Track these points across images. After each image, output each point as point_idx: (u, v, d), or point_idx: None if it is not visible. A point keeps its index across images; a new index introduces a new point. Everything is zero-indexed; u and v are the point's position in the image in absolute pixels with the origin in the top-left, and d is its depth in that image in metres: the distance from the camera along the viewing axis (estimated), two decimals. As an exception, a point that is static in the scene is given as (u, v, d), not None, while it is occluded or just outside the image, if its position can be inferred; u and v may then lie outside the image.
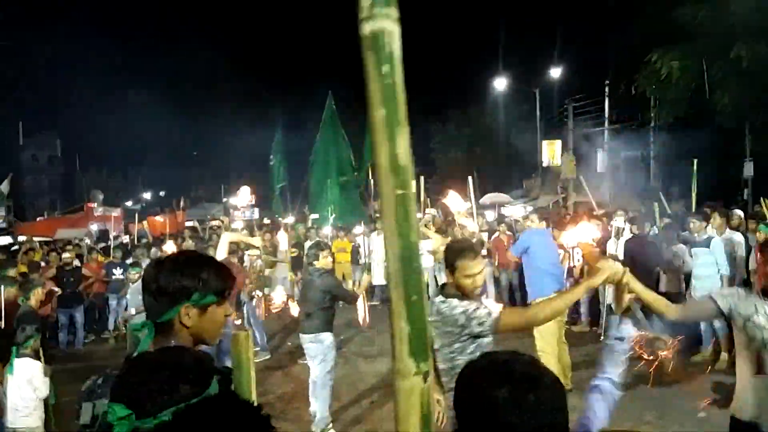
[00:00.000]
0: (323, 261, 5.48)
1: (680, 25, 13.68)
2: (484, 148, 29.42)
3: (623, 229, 8.19)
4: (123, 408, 1.02)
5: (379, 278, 11.84)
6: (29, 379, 4.30)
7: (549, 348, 5.61)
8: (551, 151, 23.65)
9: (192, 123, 42.53)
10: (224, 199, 43.00)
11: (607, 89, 22.37)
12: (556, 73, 24.80)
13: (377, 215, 18.63)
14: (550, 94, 25.39)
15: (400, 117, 0.85)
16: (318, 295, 5.35)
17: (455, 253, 2.80)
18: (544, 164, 23.68)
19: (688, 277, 7.55)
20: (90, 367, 7.66)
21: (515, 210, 18.62)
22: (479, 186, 17.18)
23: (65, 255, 9.49)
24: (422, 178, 17.03)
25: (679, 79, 14.22)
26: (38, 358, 4.51)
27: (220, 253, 5.39)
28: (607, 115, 22.64)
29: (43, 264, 9.45)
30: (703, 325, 7.11)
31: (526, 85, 23.48)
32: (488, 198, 14.91)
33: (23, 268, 8.27)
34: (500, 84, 26.95)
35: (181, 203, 26.55)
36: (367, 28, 0.84)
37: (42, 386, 4.38)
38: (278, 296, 7.46)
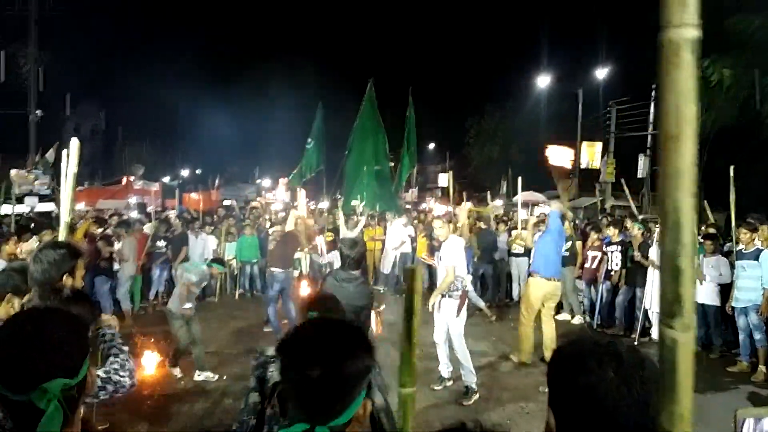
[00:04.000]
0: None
1: (733, 33, 13.32)
2: (520, 145, 29.09)
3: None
4: None
5: (388, 266, 11.93)
6: None
7: (527, 320, 7.04)
8: (591, 153, 23.26)
9: (232, 103, 43.05)
10: (257, 180, 43.64)
11: (653, 93, 21.84)
12: (601, 74, 24.32)
13: (407, 206, 18.71)
14: (593, 95, 24.92)
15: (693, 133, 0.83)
16: (350, 309, 3.91)
17: None
18: (582, 166, 23.32)
19: (723, 288, 7.46)
20: (131, 335, 7.94)
21: (547, 209, 18.39)
22: (512, 184, 17.03)
23: (94, 226, 9.75)
24: (451, 173, 17.00)
25: (730, 87, 13.85)
26: None
27: (289, 226, 8.65)
28: (651, 119, 22.12)
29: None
30: (741, 336, 7.02)
31: (569, 84, 23.10)
32: (522, 196, 14.69)
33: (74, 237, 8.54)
34: (543, 81, 26.58)
35: (216, 182, 26.99)
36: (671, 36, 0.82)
37: None
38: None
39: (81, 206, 16.93)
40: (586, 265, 9.45)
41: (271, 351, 2.21)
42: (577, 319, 9.59)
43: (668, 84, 0.82)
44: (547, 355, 6.78)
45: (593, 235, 9.47)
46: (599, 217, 14.23)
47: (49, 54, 24.04)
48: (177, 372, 6.56)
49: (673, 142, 0.82)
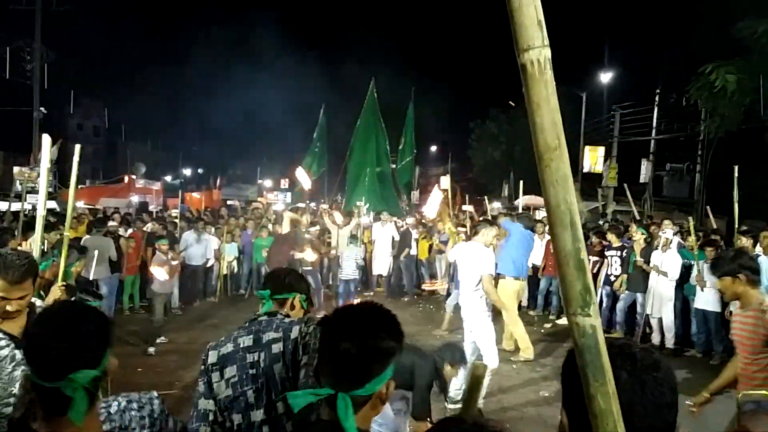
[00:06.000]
0: None
1: (738, 39, 13.29)
2: (523, 148, 29.06)
3: (671, 240, 8.03)
4: None
5: (379, 267, 11.85)
6: None
7: (512, 319, 7.25)
8: (593, 158, 23.22)
9: (234, 103, 43.12)
10: (259, 181, 43.69)
11: (656, 98, 21.83)
12: (605, 78, 24.29)
13: (407, 208, 18.70)
14: (596, 100, 24.89)
15: (562, 142, 0.92)
16: None
17: None
18: (585, 170, 23.28)
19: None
20: (134, 333, 7.97)
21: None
22: (515, 187, 17.01)
23: (111, 223, 9.77)
24: (448, 176, 16.96)
25: (734, 92, 13.80)
26: None
27: (285, 228, 9.05)
28: (654, 124, 22.10)
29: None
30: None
31: (573, 87, 23.06)
32: (524, 200, 14.69)
33: (74, 234, 8.59)
34: (546, 85, 26.51)
35: (218, 181, 27.03)
36: (527, 57, 0.91)
37: None
38: None
39: (81, 204, 16.94)
40: (587, 270, 9.44)
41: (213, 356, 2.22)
42: (563, 320, 9.60)
43: (541, 101, 0.91)
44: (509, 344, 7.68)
45: (594, 240, 9.45)
46: (600, 222, 14.20)
47: (54, 52, 24.06)
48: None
49: (555, 152, 0.89)
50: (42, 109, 22.11)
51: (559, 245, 0.92)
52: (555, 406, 6.19)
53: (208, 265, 10.97)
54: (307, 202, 15.10)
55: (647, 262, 8.21)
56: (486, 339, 5.70)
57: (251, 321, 2.33)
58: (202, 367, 2.24)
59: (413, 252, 12.21)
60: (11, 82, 23.81)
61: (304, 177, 13.97)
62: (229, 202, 22.95)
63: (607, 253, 9.05)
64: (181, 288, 10.11)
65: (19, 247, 6.52)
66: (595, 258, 9.25)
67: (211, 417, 2.16)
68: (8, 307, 2.39)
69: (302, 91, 35.32)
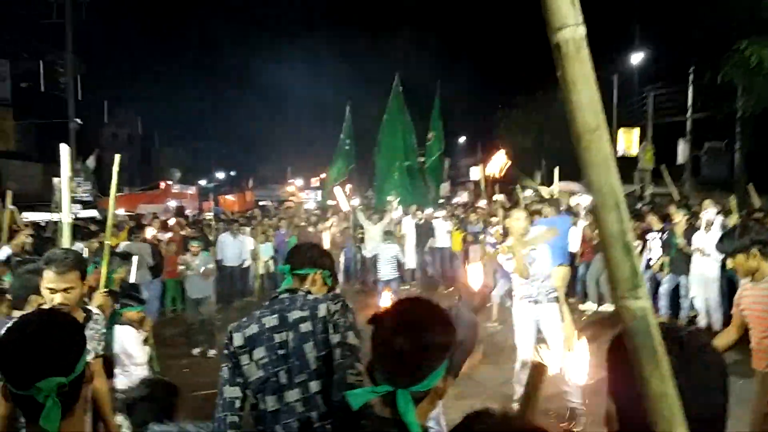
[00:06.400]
0: None
1: (772, 13, 12.82)
2: (554, 135, 28.61)
3: (713, 221, 7.79)
4: None
5: (410, 261, 11.74)
6: (125, 346, 4.57)
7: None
8: (628, 140, 22.65)
9: (263, 105, 43.67)
10: (290, 180, 44.15)
11: (690, 77, 21.16)
12: (636, 58, 23.66)
13: (441, 200, 18.60)
14: (628, 81, 24.27)
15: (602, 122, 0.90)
16: None
17: None
18: (619, 154, 22.75)
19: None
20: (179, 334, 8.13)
21: (586, 200, 18.02)
22: (548, 174, 16.75)
23: (150, 229, 10.01)
24: (481, 165, 16.76)
25: (770, 69, 13.30)
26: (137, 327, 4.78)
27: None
28: (690, 103, 21.43)
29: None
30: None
31: (603, 70, 22.53)
32: (558, 187, 14.43)
33: (116, 241, 8.85)
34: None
35: (250, 183, 27.39)
36: (562, 37, 0.90)
37: (137, 353, 4.65)
38: None
39: (122, 211, 17.38)
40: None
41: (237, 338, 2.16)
42: (605, 307, 9.41)
43: (577, 79, 0.89)
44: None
45: (633, 224, 9.23)
46: (638, 206, 13.88)
47: (85, 63, 24.70)
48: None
49: (595, 133, 0.88)
50: (77, 120, 22.75)
51: (605, 228, 0.90)
52: (600, 395, 6.01)
53: (245, 265, 11.13)
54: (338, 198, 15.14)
55: (689, 244, 7.99)
56: (558, 338, 5.32)
57: (272, 299, 2.25)
58: (226, 351, 2.17)
59: (442, 244, 12.17)
60: (46, 95, 24.59)
61: (341, 196, 13.91)
62: (261, 203, 23.24)
63: (647, 237, 8.83)
64: (219, 289, 10.27)
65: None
66: (635, 242, 9.03)
67: (237, 405, 2.10)
68: (56, 299, 2.49)
69: (328, 88, 35.44)
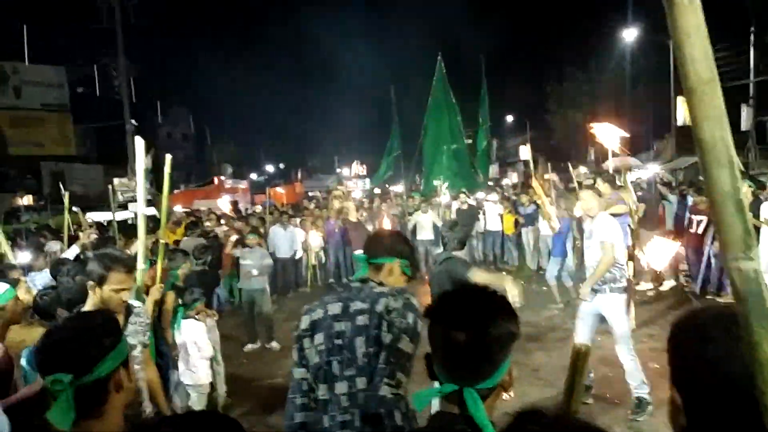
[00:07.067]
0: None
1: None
2: (606, 107, 27.58)
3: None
4: None
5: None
6: (194, 340, 4.70)
7: None
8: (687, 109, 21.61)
9: (308, 97, 44.12)
10: (337, 170, 44.49)
11: (752, 38, 19.89)
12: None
13: (489, 183, 18.28)
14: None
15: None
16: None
17: None
18: (679, 123, 21.69)
19: None
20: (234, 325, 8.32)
21: (644, 174, 17.31)
22: (601, 149, 16.10)
23: (207, 224, 10.30)
24: (528, 145, 16.33)
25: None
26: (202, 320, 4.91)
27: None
28: (752, 66, 20.17)
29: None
30: None
31: (658, 35, 21.43)
32: (613, 162, 13.87)
33: (173, 237, 9.19)
34: (629, 35, 24.63)
35: (299, 175, 27.76)
36: None
37: (206, 346, 4.78)
38: None
39: (178, 208, 17.96)
40: (691, 230, 8.78)
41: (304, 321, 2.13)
42: (667, 284, 8.99)
43: (691, 30, 0.85)
44: None
45: (698, 198, 8.76)
46: (701, 177, 13.23)
47: (138, 66, 25.53)
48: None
49: (709, 85, 0.85)
50: (133, 121, 23.59)
51: (716, 186, 0.87)
52: (665, 377, 5.71)
53: (297, 257, 11.29)
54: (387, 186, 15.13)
55: (756, 216, 7.52)
56: (629, 355, 4.81)
57: (344, 286, 2.21)
58: (295, 333, 2.15)
59: (494, 227, 11.97)
60: (102, 99, 25.62)
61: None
62: (310, 194, 23.52)
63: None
64: (272, 280, 10.43)
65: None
66: (699, 217, 8.59)
67: (305, 387, 2.06)
68: (124, 297, 2.61)
69: (371, 75, 35.37)
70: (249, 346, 7.58)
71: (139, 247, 3.48)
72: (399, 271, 2.22)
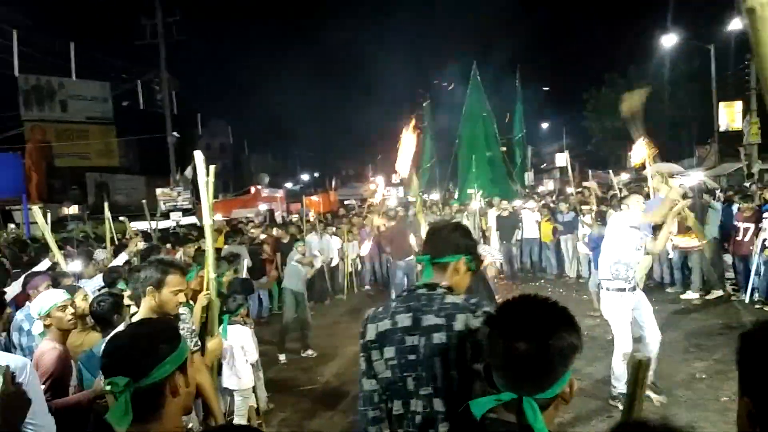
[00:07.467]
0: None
1: None
2: (646, 113, 27.05)
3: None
4: None
5: (496, 255, 11.34)
6: (241, 345, 4.81)
7: None
8: (730, 114, 20.95)
9: (342, 107, 44.61)
10: (371, 178, 44.67)
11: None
12: (735, 25, 21.81)
13: (526, 190, 18.08)
14: (726, 50, 22.41)
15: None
16: None
17: None
18: (721, 129, 21.07)
19: None
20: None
21: (687, 180, 16.82)
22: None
23: (252, 231, 10.53)
24: (566, 152, 16.14)
25: None
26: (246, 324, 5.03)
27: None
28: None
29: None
30: None
31: (699, 40, 20.92)
32: (655, 168, 13.57)
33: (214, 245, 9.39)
34: (668, 40, 24.09)
35: (333, 183, 27.98)
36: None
37: (252, 350, 4.89)
38: None
39: (218, 217, 18.30)
40: (738, 238, 8.52)
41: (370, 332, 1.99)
42: (714, 294, 8.73)
43: None
44: None
45: (744, 205, 8.50)
46: (747, 184, 12.82)
47: (178, 80, 26.28)
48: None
49: None
50: (174, 133, 24.25)
51: None
52: (715, 388, 5.68)
53: (333, 264, 11.38)
54: (421, 192, 15.12)
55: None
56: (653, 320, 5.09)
57: (409, 292, 2.03)
58: (361, 341, 2.01)
59: (531, 235, 11.83)
60: (145, 112, 26.43)
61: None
62: (345, 202, 23.67)
63: (764, 216, 8.11)
64: (310, 288, 10.52)
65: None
66: (746, 225, 8.32)
67: (376, 399, 1.95)
68: (180, 299, 2.73)
69: (406, 83, 35.47)
70: (282, 357, 7.45)
71: (208, 256, 3.54)
72: (465, 268, 2.05)
